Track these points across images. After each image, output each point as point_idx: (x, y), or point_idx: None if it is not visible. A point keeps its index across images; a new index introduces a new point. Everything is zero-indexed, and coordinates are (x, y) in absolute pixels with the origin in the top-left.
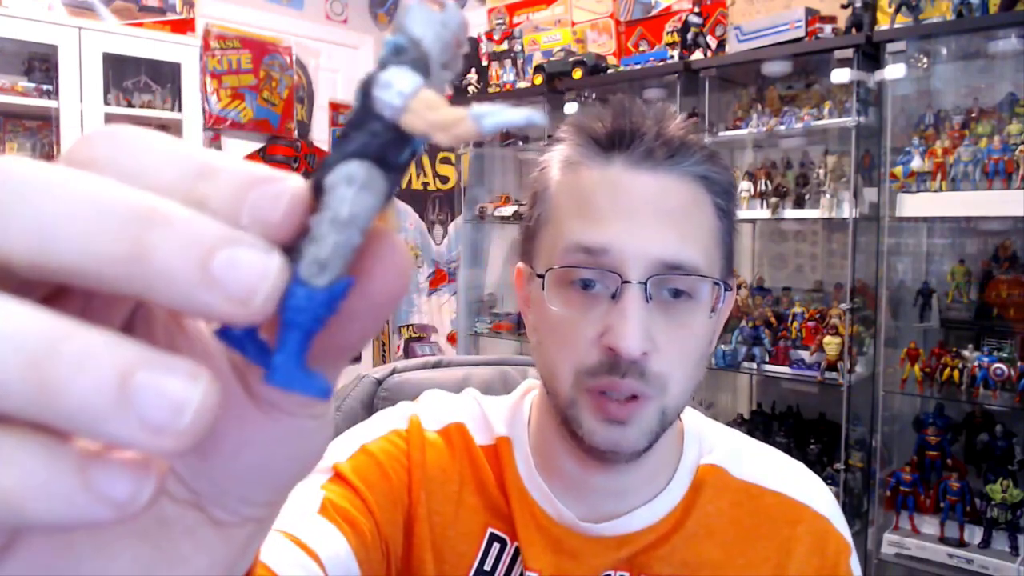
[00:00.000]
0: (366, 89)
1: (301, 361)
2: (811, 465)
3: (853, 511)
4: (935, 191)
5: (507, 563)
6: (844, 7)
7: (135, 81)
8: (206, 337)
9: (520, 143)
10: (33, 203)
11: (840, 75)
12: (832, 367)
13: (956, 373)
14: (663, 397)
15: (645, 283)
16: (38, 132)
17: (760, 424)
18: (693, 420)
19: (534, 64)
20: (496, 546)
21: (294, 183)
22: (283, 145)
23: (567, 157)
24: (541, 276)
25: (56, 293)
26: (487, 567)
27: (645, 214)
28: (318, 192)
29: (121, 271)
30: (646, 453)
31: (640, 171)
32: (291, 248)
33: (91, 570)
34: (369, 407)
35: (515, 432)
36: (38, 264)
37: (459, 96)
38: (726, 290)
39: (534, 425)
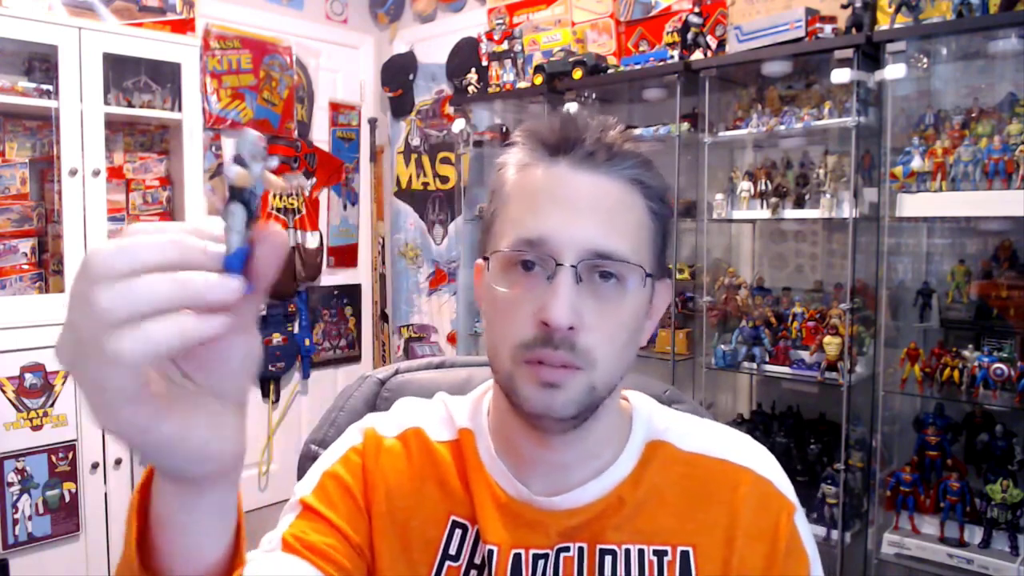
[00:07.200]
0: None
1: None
2: (811, 465)
3: (853, 511)
4: (935, 191)
5: (470, 545)
6: (844, 7)
7: (135, 81)
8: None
9: None
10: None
11: (840, 75)
12: (832, 367)
13: (956, 373)
14: (592, 371)
15: (576, 266)
16: (38, 132)
17: (760, 424)
18: (642, 403)
19: (534, 64)
20: (458, 532)
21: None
22: (283, 145)
23: (520, 160)
24: (487, 259)
25: None
26: (452, 551)
27: (581, 208)
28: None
29: None
30: (585, 426)
31: (581, 171)
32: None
33: (172, 428)
34: (372, 406)
35: (477, 422)
36: None
37: (459, 96)
38: (648, 277)
39: (493, 412)
